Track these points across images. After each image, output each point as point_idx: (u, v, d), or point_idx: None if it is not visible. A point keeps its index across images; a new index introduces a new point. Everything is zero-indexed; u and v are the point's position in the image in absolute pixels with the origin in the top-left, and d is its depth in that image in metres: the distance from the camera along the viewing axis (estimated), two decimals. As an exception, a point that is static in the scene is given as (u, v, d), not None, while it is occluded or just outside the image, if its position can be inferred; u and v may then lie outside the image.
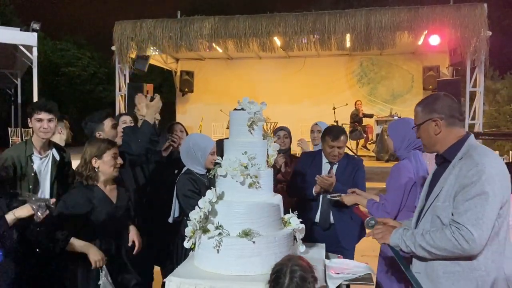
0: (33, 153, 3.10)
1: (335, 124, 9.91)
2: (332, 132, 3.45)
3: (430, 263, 2.01)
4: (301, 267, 1.78)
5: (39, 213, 2.44)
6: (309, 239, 3.26)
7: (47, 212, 2.45)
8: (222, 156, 2.58)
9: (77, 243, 2.64)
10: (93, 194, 2.74)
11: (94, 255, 2.63)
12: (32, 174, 3.08)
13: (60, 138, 3.75)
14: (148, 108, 3.34)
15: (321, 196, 3.48)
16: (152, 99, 3.38)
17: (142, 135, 3.26)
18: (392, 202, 2.79)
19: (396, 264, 2.94)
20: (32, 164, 3.09)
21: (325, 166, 3.54)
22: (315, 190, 3.42)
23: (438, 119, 2.06)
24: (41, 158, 3.15)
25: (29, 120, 3.06)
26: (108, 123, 3.34)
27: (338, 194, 3.27)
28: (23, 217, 2.40)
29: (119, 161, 2.85)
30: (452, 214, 1.94)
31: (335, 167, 3.53)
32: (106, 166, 2.77)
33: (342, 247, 3.43)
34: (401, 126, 2.93)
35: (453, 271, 1.95)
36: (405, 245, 2.04)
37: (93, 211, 2.70)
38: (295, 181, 3.62)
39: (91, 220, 2.69)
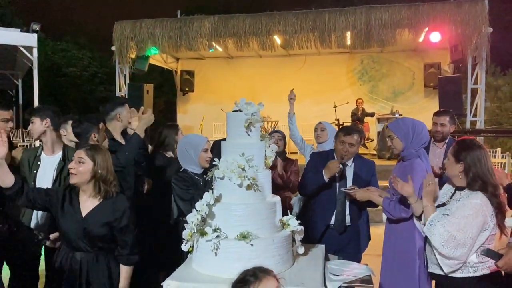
0: (40, 153, 3.29)
1: (336, 122, 9.91)
2: (345, 129, 3.45)
3: None
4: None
5: None
6: (322, 241, 3.24)
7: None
8: (219, 156, 2.56)
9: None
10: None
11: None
12: (35, 171, 3.22)
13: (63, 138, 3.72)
14: (139, 121, 3.29)
15: (336, 197, 3.39)
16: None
17: (130, 148, 3.18)
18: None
19: (398, 264, 2.94)
20: (38, 163, 3.25)
21: None
22: (326, 176, 3.29)
23: None
24: (49, 158, 3.29)
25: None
26: (103, 126, 3.27)
27: (353, 187, 3.24)
28: None
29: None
30: None
31: (350, 168, 3.44)
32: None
33: (354, 250, 3.41)
34: (407, 125, 2.99)
35: None
36: None
37: None
38: (307, 179, 3.51)
39: None
